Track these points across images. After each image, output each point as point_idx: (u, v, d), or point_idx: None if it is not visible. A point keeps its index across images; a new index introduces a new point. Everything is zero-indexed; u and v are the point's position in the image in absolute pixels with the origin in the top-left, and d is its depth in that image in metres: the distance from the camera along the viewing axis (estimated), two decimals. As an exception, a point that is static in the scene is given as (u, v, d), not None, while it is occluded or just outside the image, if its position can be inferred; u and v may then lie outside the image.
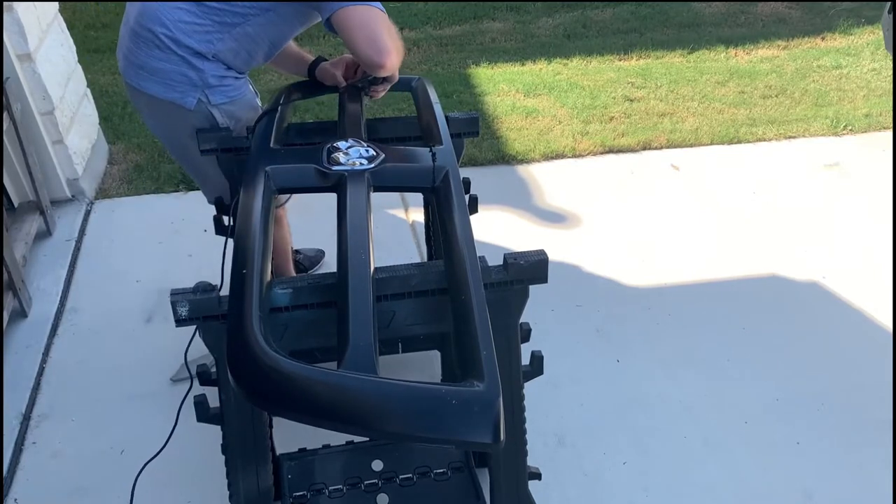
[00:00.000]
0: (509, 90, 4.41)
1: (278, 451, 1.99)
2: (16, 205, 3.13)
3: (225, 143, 2.11)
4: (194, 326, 1.56)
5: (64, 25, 3.46)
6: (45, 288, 2.93)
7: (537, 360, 1.76)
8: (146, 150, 3.80)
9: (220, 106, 2.06)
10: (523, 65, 4.76)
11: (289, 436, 1.99)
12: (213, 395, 1.66)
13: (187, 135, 2.10)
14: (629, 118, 4.11)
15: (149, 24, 1.97)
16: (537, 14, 5.53)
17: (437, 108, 2.05)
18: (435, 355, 2.37)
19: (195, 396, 1.66)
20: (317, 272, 2.92)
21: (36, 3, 3.13)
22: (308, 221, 2.80)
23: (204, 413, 1.67)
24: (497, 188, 3.53)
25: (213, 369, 1.64)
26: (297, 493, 1.88)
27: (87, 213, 3.40)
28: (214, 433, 1.70)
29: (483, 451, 1.97)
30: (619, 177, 3.68)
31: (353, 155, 1.85)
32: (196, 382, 1.64)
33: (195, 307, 1.51)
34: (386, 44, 1.82)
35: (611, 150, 3.86)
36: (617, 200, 3.50)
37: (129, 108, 4.11)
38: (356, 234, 1.46)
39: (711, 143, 3.92)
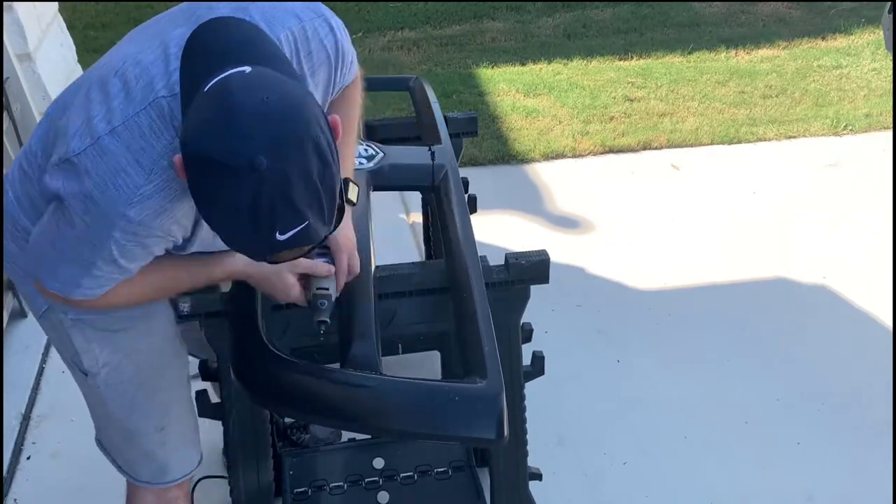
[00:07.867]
0: (509, 90, 4.41)
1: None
2: (16, 204, 3.13)
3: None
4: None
5: (64, 25, 3.45)
6: (45, 287, 2.92)
7: (539, 361, 1.76)
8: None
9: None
10: (523, 65, 4.75)
11: (289, 435, 1.99)
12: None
13: None
14: (629, 118, 4.11)
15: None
16: (537, 14, 5.53)
17: (436, 108, 2.04)
18: (435, 356, 2.36)
19: (196, 392, 1.66)
20: None
21: (36, 3, 3.13)
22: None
23: (205, 407, 1.67)
24: (497, 188, 3.52)
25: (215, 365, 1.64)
26: (299, 490, 1.87)
27: (87, 213, 3.39)
28: (216, 427, 1.70)
29: (484, 450, 1.97)
30: (619, 177, 3.67)
31: (353, 154, 1.85)
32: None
33: (197, 304, 1.51)
34: None
35: (611, 150, 3.85)
36: (617, 200, 3.49)
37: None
38: (357, 234, 1.46)
39: (711, 143, 3.92)
